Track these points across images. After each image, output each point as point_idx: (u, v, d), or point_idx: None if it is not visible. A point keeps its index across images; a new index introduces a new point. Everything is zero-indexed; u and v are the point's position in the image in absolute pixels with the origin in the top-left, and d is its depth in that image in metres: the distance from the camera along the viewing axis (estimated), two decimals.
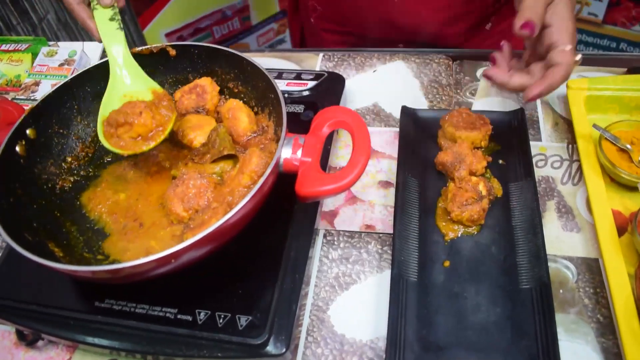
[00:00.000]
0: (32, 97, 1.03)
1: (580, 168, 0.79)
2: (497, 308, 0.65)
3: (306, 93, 0.89)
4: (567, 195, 0.78)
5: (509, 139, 0.81)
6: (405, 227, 0.72)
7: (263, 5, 2.34)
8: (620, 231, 0.70)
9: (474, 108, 0.91)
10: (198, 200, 0.68)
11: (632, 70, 0.91)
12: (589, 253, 0.71)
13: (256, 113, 0.78)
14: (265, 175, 0.60)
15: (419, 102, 0.93)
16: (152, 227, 0.70)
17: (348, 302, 0.70)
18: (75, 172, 0.78)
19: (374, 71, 1.00)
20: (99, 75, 0.80)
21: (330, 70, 1.00)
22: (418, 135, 0.83)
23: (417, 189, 0.77)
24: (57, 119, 0.77)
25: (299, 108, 0.87)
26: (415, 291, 0.67)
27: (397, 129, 0.86)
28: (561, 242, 0.73)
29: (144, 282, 0.60)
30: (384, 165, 0.85)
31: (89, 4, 0.78)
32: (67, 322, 0.65)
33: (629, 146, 0.76)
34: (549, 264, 0.67)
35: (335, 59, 1.03)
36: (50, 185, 0.75)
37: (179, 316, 0.63)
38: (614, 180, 0.76)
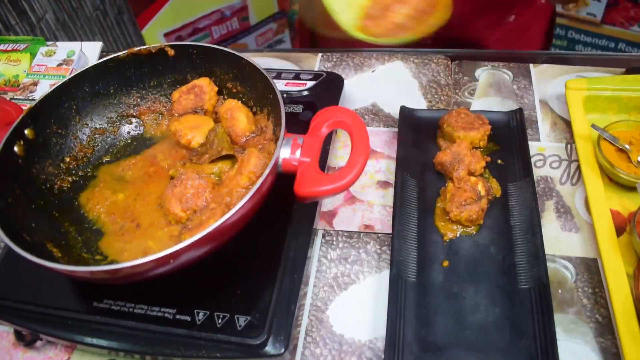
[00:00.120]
0: (30, 97, 1.03)
1: (578, 168, 0.79)
2: (496, 308, 0.65)
3: (305, 93, 0.89)
4: (566, 195, 0.78)
5: (508, 139, 0.81)
6: (404, 227, 0.72)
7: (262, 5, 2.34)
8: (619, 231, 0.70)
9: (472, 108, 0.91)
10: (196, 201, 0.67)
11: (630, 71, 0.91)
12: (587, 253, 0.71)
13: (255, 113, 0.78)
14: (264, 176, 0.60)
15: (418, 102, 0.93)
16: (149, 228, 0.70)
17: (347, 302, 0.70)
18: (74, 172, 0.78)
19: (373, 71, 1.00)
20: (97, 75, 0.80)
21: (329, 70, 1.00)
22: (417, 135, 0.83)
23: (416, 189, 0.77)
24: (56, 119, 0.77)
25: (298, 108, 0.87)
26: (414, 291, 0.67)
27: (396, 129, 0.86)
28: (560, 242, 0.73)
29: (142, 282, 0.60)
30: (382, 165, 0.85)
31: None
32: (65, 322, 0.65)
33: (627, 146, 0.76)
34: (548, 264, 0.67)
35: (334, 59, 1.03)
36: (48, 186, 0.74)
37: (177, 316, 0.63)
38: (612, 180, 0.76)
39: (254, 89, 0.78)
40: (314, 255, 0.75)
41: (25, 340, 0.69)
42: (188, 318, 0.63)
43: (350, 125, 0.65)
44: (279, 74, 0.93)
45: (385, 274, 0.71)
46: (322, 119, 0.67)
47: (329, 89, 0.89)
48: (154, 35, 2.15)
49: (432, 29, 0.65)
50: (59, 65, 1.07)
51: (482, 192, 0.72)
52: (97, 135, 0.81)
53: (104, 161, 0.80)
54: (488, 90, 0.94)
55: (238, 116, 0.75)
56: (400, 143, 0.81)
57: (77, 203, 0.75)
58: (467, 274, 0.68)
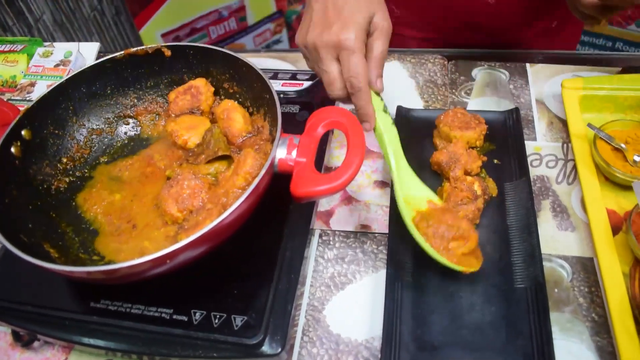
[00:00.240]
0: (27, 98, 1.03)
1: (575, 167, 0.79)
2: (492, 307, 0.65)
3: (302, 93, 0.89)
4: (562, 195, 0.78)
5: (504, 138, 0.81)
6: (400, 227, 0.72)
7: (259, 6, 2.34)
8: (615, 230, 0.70)
9: (469, 108, 0.91)
10: (192, 201, 0.68)
11: (626, 70, 0.91)
12: (583, 252, 0.71)
13: (251, 114, 0.78)
14: (260, 176, 0.60)
15: (414, 102, 0.93)
16: (145, 228, 0.70)
17: (344, 302, 0.70)
18: (71, 172, 0.78)
19: None
20: (94, 75, 0.80)
21: None
22: (413, 135, 0.83)
23: None
24: (53, 119, 0.77)
25: (295, 108, 0.87)
26: (410, 291, 0.67)
27: None
28: (556, 241, 0.73)
29: (139, 282, 0.60)
30: (379, 165, 0.85)
31: None
32: (62, 322, 0.65)
33: (623, 145, 0.76)
34: (544, 263, 0.67)
35: None
36: (45, 186, 0.75)
37: (174, 316, 0.63)
38: (608, 179, 0.77)
39: (251, 90, 0.78)
40: (311, 255, 0.75)
41: (23, 341, 0.69)
42: (185, 318, 0.63)
43: (346, 125, 0.65)
44: (275, 74, 0.93)
45: (382, 273, 0.72)
46: (318, 119, 0.68)
47: (325, 89, 0.89)
48: (152, 35, 2.15)
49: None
50: (56, 66, 1.07)
51: (479, 192, 0.72)
52: (94, 136, 0.82)
53: (100, 162, 0.80)
54: (484, 90, 0.94)
55: (234, 116, 0.75)
56: None
57: (74, 204, 0.75)
58: (463, 274, 0.68)
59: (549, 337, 0.60)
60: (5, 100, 1.02)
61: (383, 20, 0.67)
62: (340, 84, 0.66)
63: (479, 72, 0.97)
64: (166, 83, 0.85)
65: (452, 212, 0.69)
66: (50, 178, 0.76)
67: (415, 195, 0.69)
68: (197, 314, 0.63)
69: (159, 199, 0.70)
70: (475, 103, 0.92)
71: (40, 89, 1.04)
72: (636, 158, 0.75)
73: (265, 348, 0.61)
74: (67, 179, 0.77)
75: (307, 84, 0.90)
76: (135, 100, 0.84)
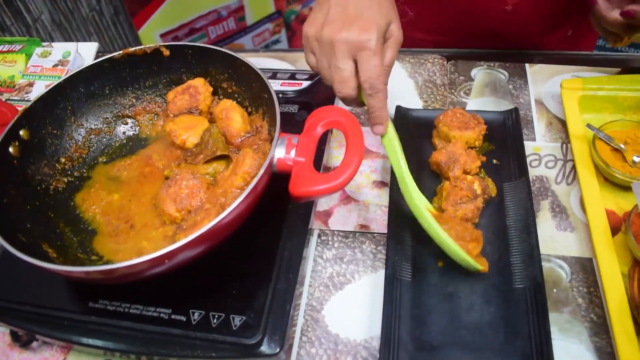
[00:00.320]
0: (26, 98, 1.03)
1: (574, 168, 0.79)
2: (491, 307, 0.65)
3: (300, 93, 0.89)
4: (561, 195, 0.78)
5: (503, 138, 0.81)
6: (399, 227, 0.72)
7: (258, 6, 2.34)
8: (614, 231, 0.70)
9: (468, 108, 0.91)
10: (190, 201, 0.67)
11: (625, 70, 0.91)
12: (582, 252, 0.71)
13: (250, 113, 0.78)
14: (259, 176, 0.60)
15: (414, 102, 0.93)
16: (143, 228, 0.70)
17: (342, 302, 0.70)
18: (69, 172, 0.78)
19: None
20: (92, 75, 0.80)
21: None
22: (412, 135, 0.83)
23: None
24: (51, 119, 0.77)
25: (293, 108, 0.87)
26: (409, 291, 0.67)
27: None
28: (555, 241, 0.73)
29: (138, 282, 0.60)
30: (378, 165, 0.85)
31: None
32: (61, 322, 0.65)
33: (622, 146, 0.76)
34: (543, 263, 0.67)
35: None
36: (44, 186, 0.74)
37: (173, 316, 0.63)
38: (607, 180, 0.77)
39: (249, 89, 0.78)
40: (310, 255, 0.75)
41: (21, 341, 0.69)
42: (183, 318, 0.62)
43: (345, 125, 0.65)
44: (274, 74, 0.93)
45: (381, 273, 0.72)
46: (317, 119, 0.68)
47: (324, 89, 0.89)
48: (151, 35, 2.15)
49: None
50: (55, 66, 1.07)
51: (478, 191, 0.72)
52: (92, 136, 0.81)
53: (99, 162, 0.80)
54: (484, 90, 0.94)
55: (233, 116, 0.75)
56: None
57: (72, 204, 0.75)
58: (462, 274, 0.68)
59: (548, 338, 0.60)
60: (3, 100, 1.02)
61: (398, 30, 0.67)
62: (354, 83, 0.65)
63: (478, 72, 0.97)
64: (165, 83, 0.85)
65: (452, 217, 0.69)
66: (48, 178, 0.75)
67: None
68: (196, 314, 0.63)
69: (157, 198, 0.70)
70: (474, 103, 0.92)
71: (39, 89, 1.04)
72: (635, 159, 0.75)
73: (264, 348, 0.60)
74: (65, 179, 0.77)
75: (306, 83, 0.90)
76: (134, 100, 0.84)
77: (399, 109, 0.86)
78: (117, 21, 2.11)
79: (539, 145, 0.84)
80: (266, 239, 0.69)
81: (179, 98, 0.80)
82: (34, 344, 0.70)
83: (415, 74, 0.98)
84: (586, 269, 0.70)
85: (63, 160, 0.78)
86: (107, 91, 0.82)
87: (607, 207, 0.73)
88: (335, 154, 0.87)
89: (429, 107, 0.92)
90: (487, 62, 0.99)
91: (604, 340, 0.63)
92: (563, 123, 0.86)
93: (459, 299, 0.66)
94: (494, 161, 0.79)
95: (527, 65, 0.97)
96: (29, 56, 1.10)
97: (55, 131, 0.78)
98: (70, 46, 1.11)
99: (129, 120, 0.84)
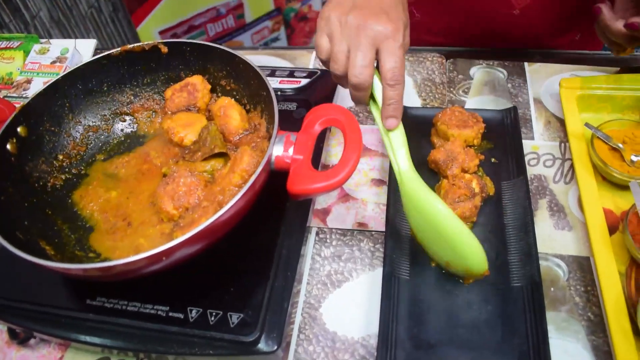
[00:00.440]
0: (24, 95, 1.03)
1: (572, 167, 0.80)
2: (489, 306, 0.65)
3: (299, 91, 0.89)
4: (559, 194, 0.78)
5: (502, 137, 0.81)
6: (397, 225, 0.72)
7: (257, 3, 2.33)
8: (612, 230, 0.71)
9: (467, 106, 0.91)
10: (188, 198, 0.67)
11: (624, 70, 0.91)
12: (580, 251, 0.71)
13: (248, 111, 0.78)
14: (257, 174, 0.60)
15: (412, 100, 0.93)
16: (141, 226, 0.70)
17: (340, 300, 0.70)
18: (67, 170, 0.78)
19: None
20: (90, 72, 0.80)
21: (324, 68, 1.00)
22: (411, 133, 0.82)
23: None
24: (49, 116, 0.77)
25: (292, 106, 0.86)
26: (407, 289, 0.67)
27: None
28: (553, 240, 0.73)
29: (135, 280, 0.60)
30: (376, 163, 0.85)
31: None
32: (59, 320, 0.65)
33: (620, 145, 0.76)
34: (540, 262, 0.67)
35: None
36: (41, 184, 0.74)
37: (170, 314, 0.63)
38: (605, 179, 0.77)
39: (248, 87, 0.78)
40: (308, 253, 0.75)
41: (19, 338, 0.69)
42: (181, 315, 0.62)
43: (343, 123, 0.65)
44: (273, 72, 0.93)
45: (379, 271, 0.72)
46: (315, 117, 0.67)
47: (323, 86, 0.89)
48: (149, 33, 2.15)
49: None
50: (53, 62, 1.07)
51: (477, 190, 0.72)
52: (90, 133, 0.81)
53: (97, 159, 0.80)
54: (482, 89, 0.94)
55: (231, 114, 0.75)
56: None
57: (70, 201, 0.75)
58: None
59: (545, 336, 0.60)
60: (1, 97, 1.02)
61: (408, 36, 0.67)
62: (372, 71, 0.64)
63: (477, 71, 0.97)
64: (163, 80, 0.84)
65: None
66: (46, 175, 0.75)
67: None
68: (194, 312, 0.63)
69: (155, 196, 0.70)
70: (473, 102, 0.92)
71: (37, 86, 1.04)
72: (633, 158, 0.75)
73: (262, 345, 0.60)
74: (63, 176, 0.77)
75: (304, 81, 0.90)
76: (132, 97, 0.84)
77: None
78: (115, 18, 2.11)
79: (538, 144, 0.84)
80: (264, 237, 0.69)
81: (177, 95, 0.80)
82: (32, 341, 0.70)
83: (414, 72, 0.98)
84: (583, 267, 0.70)
85: (61, 157, 0.78)
86: (105, 88, 0.82)
87: (604, 206, 0.73)
88: (334, 152, 0.87)
89: (428, 106, 0.92)
90: (486, 60, 0.99)
91: (601, 338, 0.64)
92: (561, 122, 0.86)
93: (456, 297, 0.66)
94: (492, 160, 0.79)
95: (526, 64, 0.97)
96: (27, 53, 1.10)
97: (53, 128, 0.78)
98: (68, 43, 1.10)
99: (127, 118, 0.84)
